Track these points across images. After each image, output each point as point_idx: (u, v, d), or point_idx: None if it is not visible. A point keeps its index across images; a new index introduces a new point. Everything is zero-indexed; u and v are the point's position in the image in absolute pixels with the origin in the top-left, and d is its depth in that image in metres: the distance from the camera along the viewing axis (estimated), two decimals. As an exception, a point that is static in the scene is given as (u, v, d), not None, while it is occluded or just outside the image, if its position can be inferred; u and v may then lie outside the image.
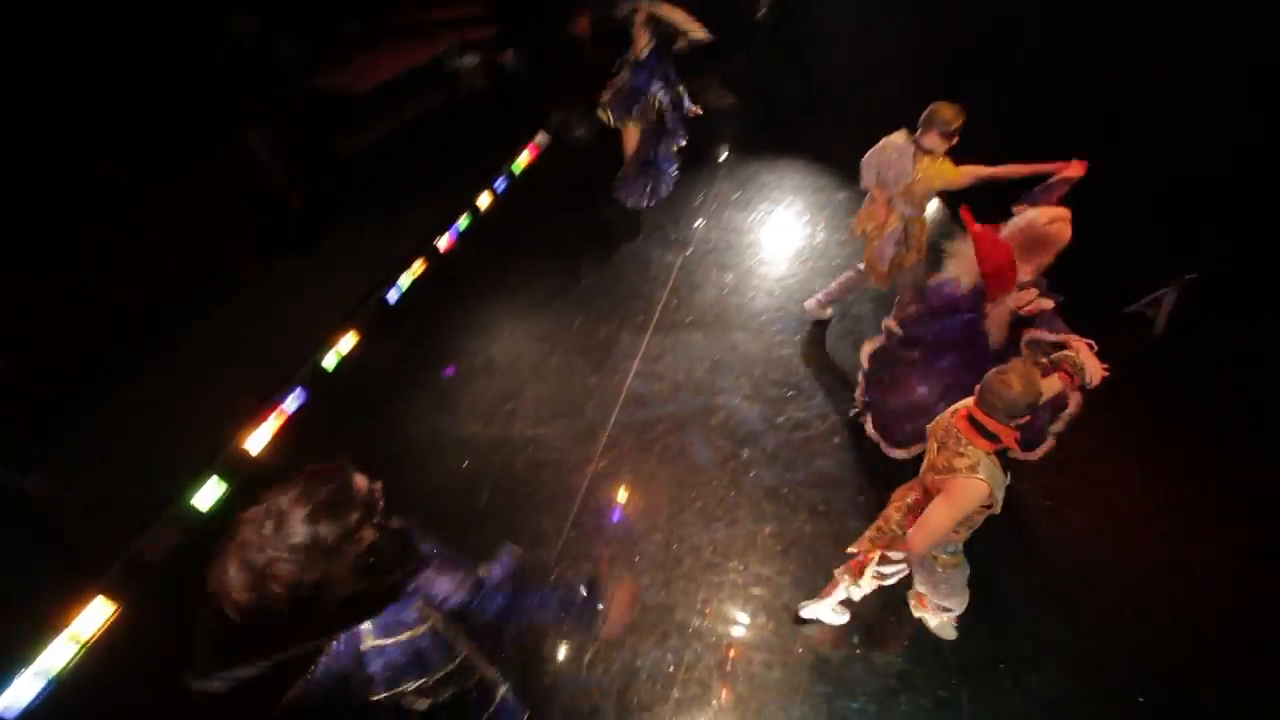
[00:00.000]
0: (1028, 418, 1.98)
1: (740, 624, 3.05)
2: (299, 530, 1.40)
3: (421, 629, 1.84)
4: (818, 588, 3.15)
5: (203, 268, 4.94)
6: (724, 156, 6.34)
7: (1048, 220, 2.65)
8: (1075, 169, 3.05)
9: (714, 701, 2.81)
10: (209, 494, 3.49)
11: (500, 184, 5.85)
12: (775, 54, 6.85)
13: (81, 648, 2.94)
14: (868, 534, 2.53)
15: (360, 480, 1.60)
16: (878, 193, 3.67)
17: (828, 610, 2.94)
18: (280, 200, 5.79)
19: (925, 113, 3.30)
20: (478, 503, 3.48)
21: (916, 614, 2.96)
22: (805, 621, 3.03)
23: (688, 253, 5.19)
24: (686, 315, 4.65)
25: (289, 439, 3.84)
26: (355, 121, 5.94)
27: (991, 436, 1.98)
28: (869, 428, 3.62)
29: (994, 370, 1.97)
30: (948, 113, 3.23)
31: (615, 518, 3.47)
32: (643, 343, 4.42)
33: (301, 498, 1.44)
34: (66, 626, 2.91)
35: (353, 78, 5.86)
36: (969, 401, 2.07)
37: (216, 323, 4.55)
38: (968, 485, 1.99)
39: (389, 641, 1.84)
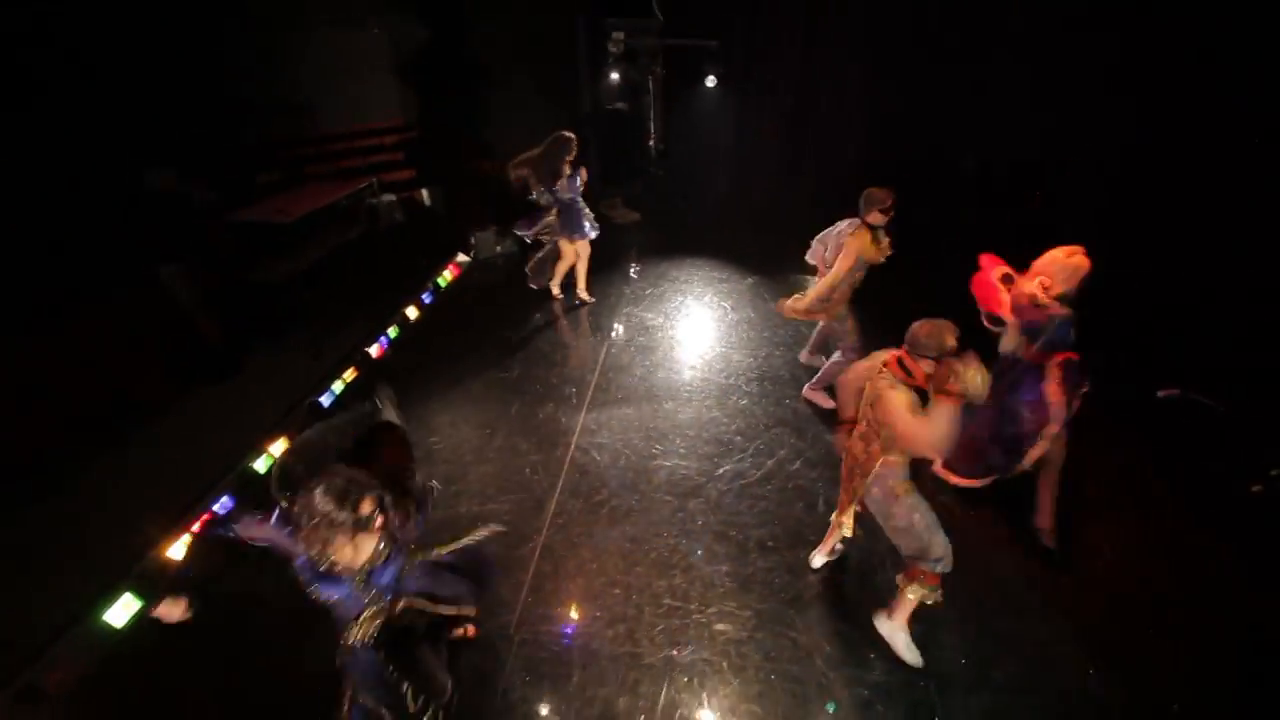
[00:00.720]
0: (934, 363, 2.43)
1: (710, 660, 3.02)
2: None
3: None
4: (781, 615, 3.22)
5: (113, 396, 4.79)
6: (634, 262, 6.95)
7: (1067, 255, 3.11)
8: None
9: (694, 738, 2.72)
10: (123, 610, 3.17)
11: (427, 297, 6.11)
12: (666, 178, 7.82)
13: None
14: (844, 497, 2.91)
15: (367, 504, 1.81)
16: (820, 264, 4.34)
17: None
18: (197, 331, 5.77)
19: (862, 196, 3.89)
20: (428, 581, 3.35)
21: (886, 628, 3.04)
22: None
23: (612, 339, 5.54)
24: (618, 393, 4.88)
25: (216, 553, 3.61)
26: (281, 249, 6.13)
27: (908, 371, 2.50)
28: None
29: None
30: (880, 193, 3.87)
31: (572, 578, 3.43)
32: (579, 420, 4.58)
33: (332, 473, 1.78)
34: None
35: (278, 210, 6.13)
36: (895, 350, 2.57)
37: (130, 449, 4.33)
38: (898, 397, 2.47)
39: None
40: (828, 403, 4.63)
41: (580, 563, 3.52)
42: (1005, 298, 3.25)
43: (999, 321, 3.34)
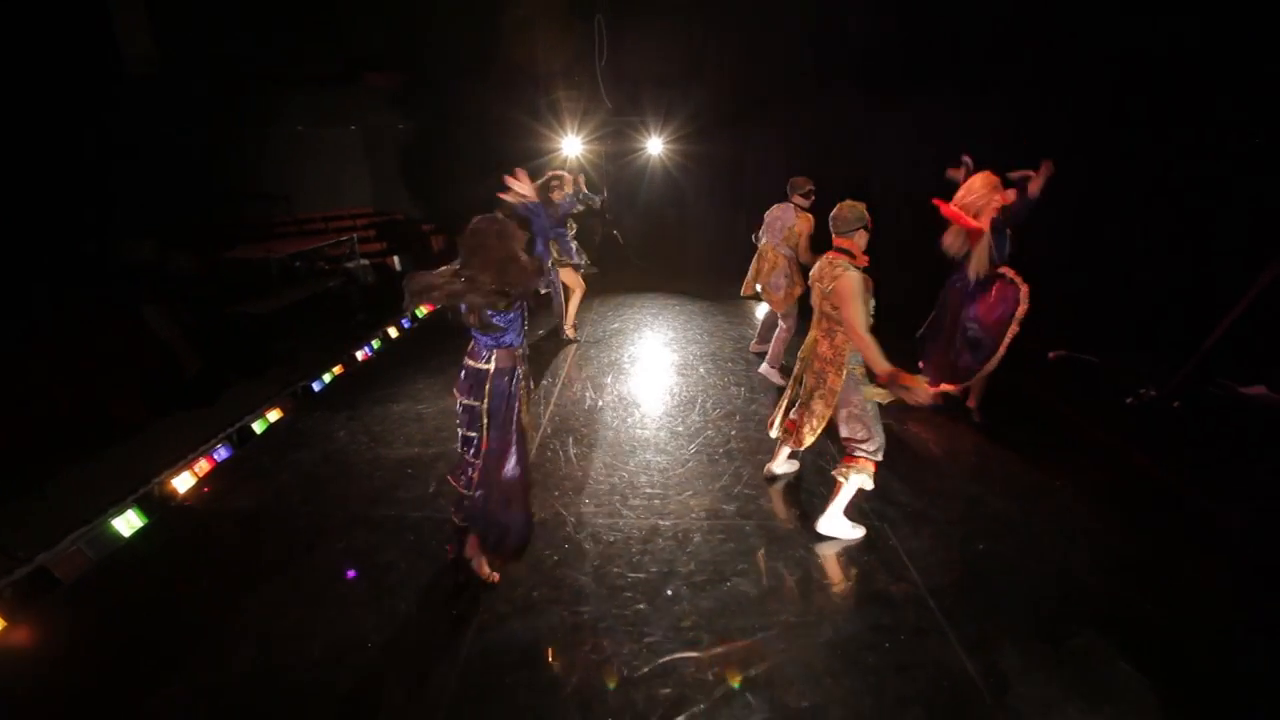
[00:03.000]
0: (863, 232, 3.00)
1: (692, 524, 3.36)
2: None
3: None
4: (749, 494, 3.64)
5: (93, 414, 4.99)
6: (597, 296, 7.70)
7: (982, 182, 3.97)
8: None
9: (678, 557, 3.03)
10: (128, 522, 3.31)
11: (405, 323, 6.61)
12: (620, 235, 8.84)
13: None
14: (808, 408, 3.17)
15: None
16: (768, 248, 5.01)
17: (782, 465, 3.76)
18: (176, 362, 6.08)
19: (789, 183, 4.90)
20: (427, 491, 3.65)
21: (825, 526, 3.26)
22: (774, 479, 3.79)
23: (581, 339, 6.12)
24: (591, 374, 5.38)
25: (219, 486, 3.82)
26: (265, 288, 6.60)
27: (848, 252, 2.95)
28: None
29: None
30: (801, 181, 4.91)
31: (560, 481, 3.76)
32: (555, 390, 5.04)
33: None
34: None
35: (267, 249, 6.68)
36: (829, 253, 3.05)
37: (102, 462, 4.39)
38: (849, 278, 2.83)
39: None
40: (781, 380, 5.22)
41: (569, 471, 3.87)
42: (974, 220, 3.93)
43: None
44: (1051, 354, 5.79)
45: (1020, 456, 4.04)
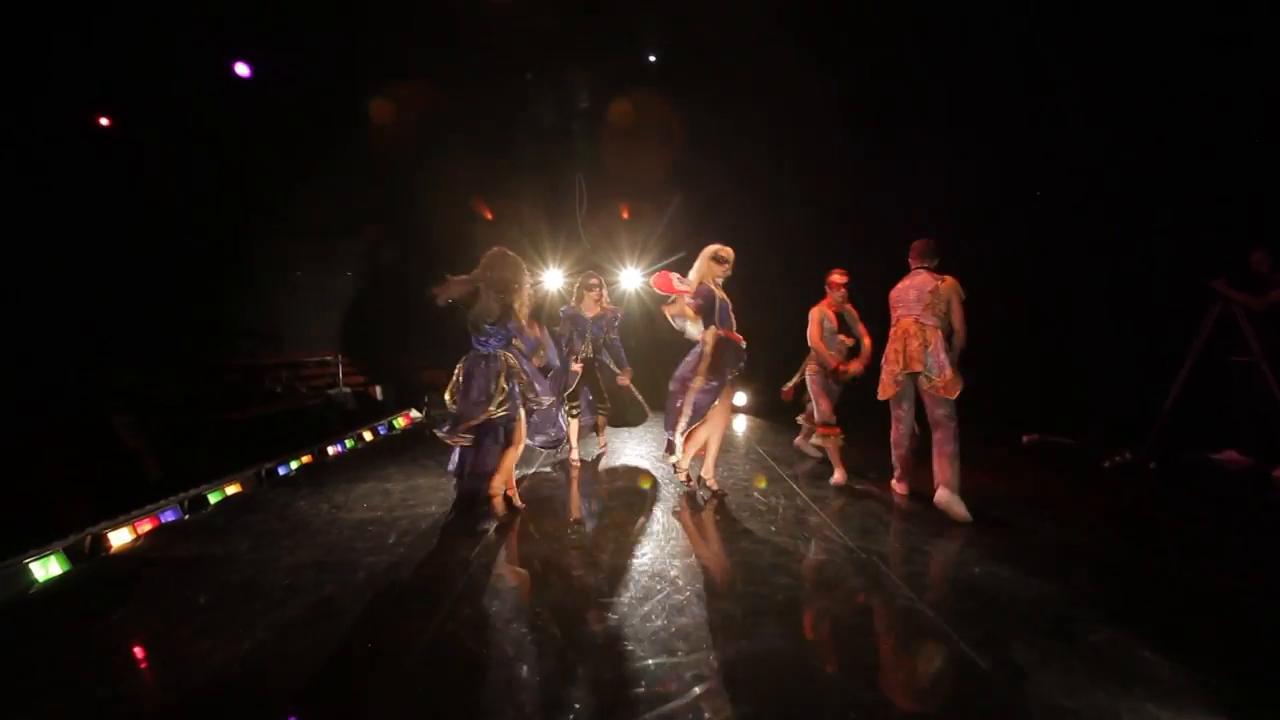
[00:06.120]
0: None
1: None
2: None
3: None
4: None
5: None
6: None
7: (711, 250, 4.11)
8: None
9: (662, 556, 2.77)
10: (46, 568, 3.00)
11: (382, 429, 6.53)
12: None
13: None
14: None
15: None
16: (909, 322, 3.87)
17: None
18: (139, 470, 5.93)
19: (912, 248, 4.00)
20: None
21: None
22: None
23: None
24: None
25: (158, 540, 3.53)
26: (246, 401, 6.58)
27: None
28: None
29: None
30: (921, 243, 3.98)
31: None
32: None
33: None
34: None
35: (251, 358, 6.77)
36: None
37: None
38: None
39: None
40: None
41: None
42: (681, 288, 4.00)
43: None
44: (1025, 437, 5.83)
45: (1009, 508, 3.90)
